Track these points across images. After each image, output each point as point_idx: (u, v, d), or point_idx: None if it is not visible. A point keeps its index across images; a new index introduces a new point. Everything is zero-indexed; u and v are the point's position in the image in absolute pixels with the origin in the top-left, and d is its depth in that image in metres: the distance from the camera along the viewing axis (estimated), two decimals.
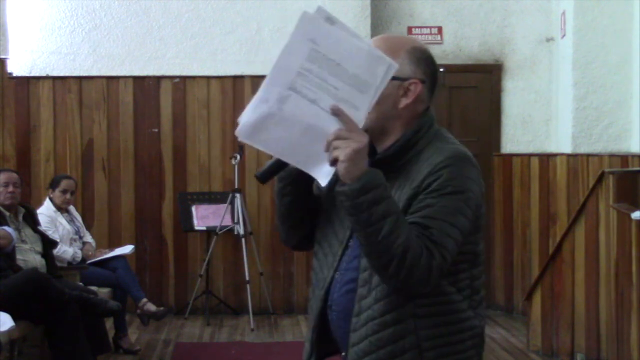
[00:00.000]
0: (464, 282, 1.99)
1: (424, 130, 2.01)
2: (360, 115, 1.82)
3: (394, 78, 1.91)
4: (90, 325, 5.27)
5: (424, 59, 2.03)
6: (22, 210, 5.69)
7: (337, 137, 1.79)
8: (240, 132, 1.81)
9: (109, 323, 6.08)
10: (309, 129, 1.80)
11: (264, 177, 2.00)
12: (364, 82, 1.81)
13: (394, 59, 1.90)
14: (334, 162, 1.80)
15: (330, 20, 1.79)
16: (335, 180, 1.85)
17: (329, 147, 1.80)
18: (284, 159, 1.88)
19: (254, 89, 8.30)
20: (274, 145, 1.83)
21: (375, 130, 1.98)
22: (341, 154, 1.78)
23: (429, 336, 1.94)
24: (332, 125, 1.80)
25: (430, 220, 1.87)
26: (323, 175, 1.86)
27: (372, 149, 1.97)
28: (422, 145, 2.00)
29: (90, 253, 6.44)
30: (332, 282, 2.05)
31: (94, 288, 5.84)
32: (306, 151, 1.83)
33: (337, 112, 1.79)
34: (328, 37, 1.78)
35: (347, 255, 2.03)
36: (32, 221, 5.73)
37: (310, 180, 2.00)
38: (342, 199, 1.83)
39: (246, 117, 1.80)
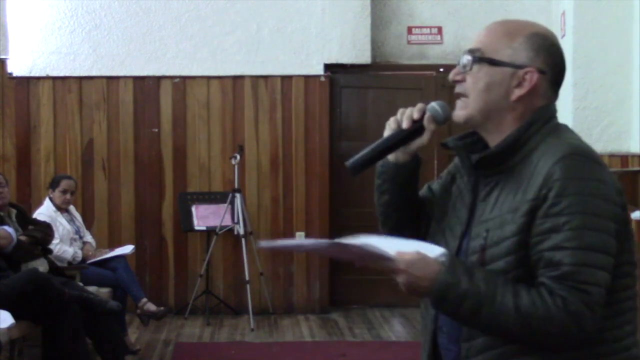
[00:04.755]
0: (625, 304, 1.61)
1: (538, 125, 1.71)
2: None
3: (505, 64, 1.69)
4: (104, 331, 5.22)
5: (545, 46, 1.72)
6: (13, 211, 5.63)
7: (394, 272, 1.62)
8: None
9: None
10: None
11: (355, 168, 1.73)
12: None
13: (510, 44, 1.71)
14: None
15: None
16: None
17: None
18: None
19: (254, 89, 8.26)
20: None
21: (479, 122, 1.73)
22: (401, 284, 1.63)
23: None
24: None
25: (563, 253, 1.52)
26: None
27: (484, 145, 1.76)
28: (535, 144, 1.68)
29: (90, 253, 6.44)
30: None
31: (94, 288, 5.84)
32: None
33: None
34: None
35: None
36: (25, 221, 5.68)
37: (414, 178, 1.81)
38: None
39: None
